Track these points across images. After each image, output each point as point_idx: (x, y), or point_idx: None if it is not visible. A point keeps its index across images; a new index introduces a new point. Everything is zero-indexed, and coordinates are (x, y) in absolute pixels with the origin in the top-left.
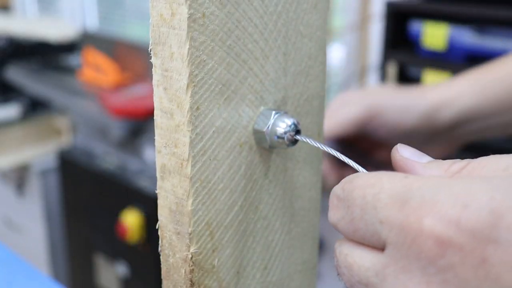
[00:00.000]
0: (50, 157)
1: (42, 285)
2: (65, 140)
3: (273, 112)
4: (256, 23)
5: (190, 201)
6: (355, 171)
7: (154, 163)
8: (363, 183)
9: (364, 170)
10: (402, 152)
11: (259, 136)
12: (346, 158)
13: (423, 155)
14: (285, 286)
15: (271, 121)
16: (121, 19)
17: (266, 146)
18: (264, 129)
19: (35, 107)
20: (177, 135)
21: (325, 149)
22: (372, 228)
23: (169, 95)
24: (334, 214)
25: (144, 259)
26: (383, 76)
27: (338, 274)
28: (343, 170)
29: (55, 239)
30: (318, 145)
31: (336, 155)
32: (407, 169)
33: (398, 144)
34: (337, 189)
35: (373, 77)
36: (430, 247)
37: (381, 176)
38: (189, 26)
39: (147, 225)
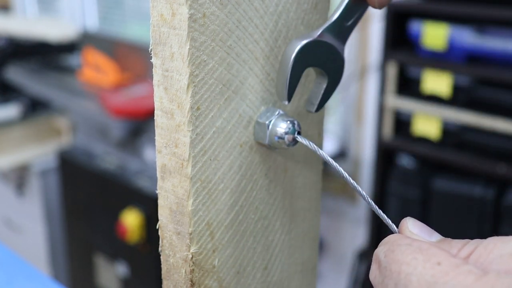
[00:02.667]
0: (50, 157)
1: (42, 285)
2: (65, 140)
3: (278, 110)
4: (257, 24)
5: (191, 201)
6: None
7: (154, 163)
8: (401, 258)
9: (389, 221)
10: (412, 228)
11: (259, 129)
12: (358, 187)
13: (433, 233)
14: (285, 286)
15: (275, 115)
16: (121, 19)
17: (265, 142)
18: (266, 122)
19: (35, 107)
20: (178, 135)
21: (322, 155)
22: None
23: (170, 95)
24: (375, 277)
25: (144, 259)
26: (383, 76)
27: None
28: None
29: (55, 239)
30: (316, 149)
31: (331, 163)
32: None
33: (408, 218)
34: (380, 253)
35: (373, 77)
36: None
37: (418, 256)
38: (189, 26)
39: (147, 225)
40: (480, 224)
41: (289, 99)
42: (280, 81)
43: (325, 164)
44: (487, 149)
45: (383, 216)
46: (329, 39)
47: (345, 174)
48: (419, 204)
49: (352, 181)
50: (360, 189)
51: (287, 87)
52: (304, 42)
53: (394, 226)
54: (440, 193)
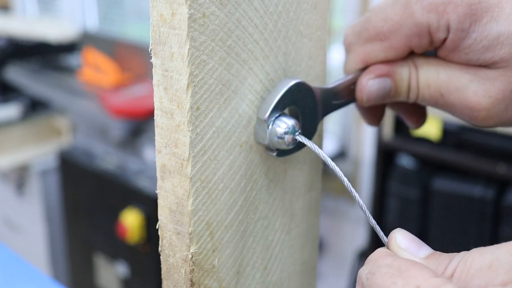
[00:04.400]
0: (50, 157)
1: (42, 285)
2: (65, 140)
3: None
4: (257, 23)
5: (190, 201)
6: None
7: (154, 163)
8: (381, 283)
9: (375, 223)
10: (400, 242)
11: (259, 129)
12: (353, 190)
13: (421, 246)
14: (285, 286)
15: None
16: (121, 19)
17: (265, 142)
18: (266, 118)
19: (35, 107)
20: (177, 135)
21: (322, 156)
22: None
23: (169, 95)
24: None
25: (144, 259)
26: None
27: None
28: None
29: (55, 239)
30: (316, 149)
31: (330, 165)
32: None
33: (396, 230)
34: (362, 275)
35: None
36: None
37: (397, 281)
38: (189, 26)
39: (147, 225)
40: (480, 224)
41: (268, 118)
42: (269, 99)
43: (325, 164)
44: (487, 149)
45: (374, 224)
46: (319, 101)
47: (343, 176)
48: (419, 204)
49: (349, 185)
50: (357, 195)
51: (273, 105)
52: (306, 82)
53: (385, 238)
54: (440, 193)
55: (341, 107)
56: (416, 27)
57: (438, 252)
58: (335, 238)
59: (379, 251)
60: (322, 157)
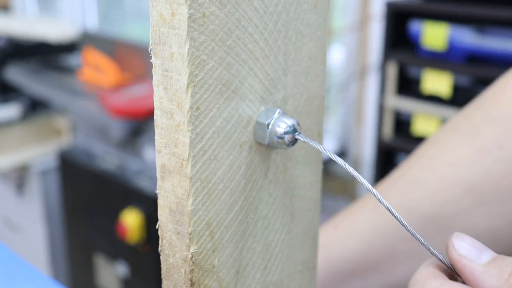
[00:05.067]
0: (50, 157)
1: (42, 285)
2: (65, 140)
3: (278, 110)
4: (256, 23)
5: (190, 201)
6: None
7: (154, 163)
8: None
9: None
10: (459, 248)
11: (259, 129)
12: (359, 175)
13: (483, 251)
14: (285, 286)
15: (275, 115)
16: (121, 19)
17: (265, 142)
18: (266, 122)
19: (35, 107)
20: (177, 135)
21: (325, 152)
22: None
23: (169, 95)
24: None
25: (144, 259)
26: (383, 76)
27: None
28: None
29: (55, 239)
30: (318, 146)
31: (336, 160)
32: (464, 272)
33: (454, 235)
34: None
35: (373, 77)
36: None
37: None
38: (189, 26)
39: (147, 225)
40: None
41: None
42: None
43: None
44: None
45: (394, 212)
46: None
47: (350, 169)
48: None
49: (358, 176)
50: (366, 182)
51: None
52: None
53: (439, 255)
54: None
55: None
56: None
57: (502, 256)
58: None
59: (424, 272)
60: (327, 154)
